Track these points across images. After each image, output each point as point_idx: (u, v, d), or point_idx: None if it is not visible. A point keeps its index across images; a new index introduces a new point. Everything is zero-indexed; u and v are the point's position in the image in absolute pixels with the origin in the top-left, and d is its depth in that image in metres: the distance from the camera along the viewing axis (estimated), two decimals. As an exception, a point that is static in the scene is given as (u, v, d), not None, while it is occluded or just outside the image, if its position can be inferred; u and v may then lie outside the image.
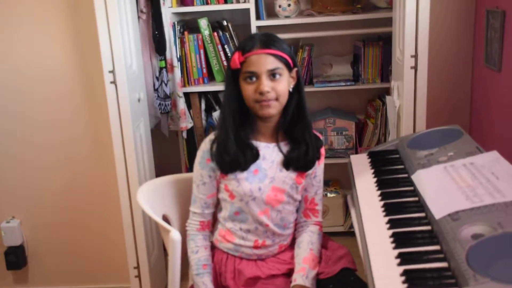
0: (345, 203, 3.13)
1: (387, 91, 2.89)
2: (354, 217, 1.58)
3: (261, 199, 1.62)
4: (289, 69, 1.61)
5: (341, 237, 2.90)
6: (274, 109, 1.59)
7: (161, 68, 2.70)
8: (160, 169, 2.67)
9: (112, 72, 2.20)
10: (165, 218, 1.71)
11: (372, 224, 1.39)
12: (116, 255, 2.70)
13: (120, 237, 2.55)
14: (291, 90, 1.62)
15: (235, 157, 1.59)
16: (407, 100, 2.17)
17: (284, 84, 1.59)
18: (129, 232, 2.39)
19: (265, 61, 1.55)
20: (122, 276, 2.69)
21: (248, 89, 1.57)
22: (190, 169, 2.94)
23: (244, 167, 1.61)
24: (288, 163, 1.65)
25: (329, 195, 3.14)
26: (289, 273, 1.68)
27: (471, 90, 2.55)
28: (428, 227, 1.32)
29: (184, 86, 2.83)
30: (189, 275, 1.89)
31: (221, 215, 1.71)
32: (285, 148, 1.67)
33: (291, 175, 1.65)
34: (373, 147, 1.93)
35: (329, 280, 1.60)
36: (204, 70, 2.85)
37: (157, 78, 2.72)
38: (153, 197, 1.68)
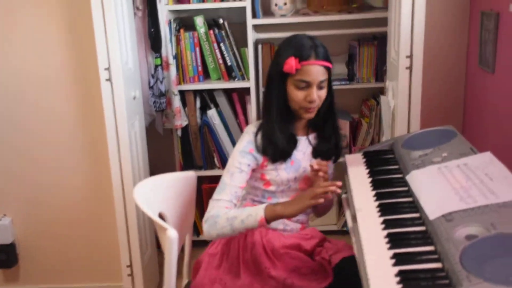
0: (338, 202, 3.14)
1: (382, 91, 2.90)
2: (348, 217, 1.59)
3: (295, 187, 1.78)
4: (330, 75, 1.73)
5: (334, 235, 2.91)
6: (314, 113, 1.74)
7: (156, 66, 2.70)
8: (155, 167, 2.67)
9: (108, 69, 2.20)
10: (161, 217, 1.71)
11: (367, 225, 1.40)
12: (109, 253, 2.70)
13: (113, 235, 2.54)
14: None
15: (283, 148, 1.71)
16: (402, 100, 2.19)
17: (326, 91, 1.73)
18: (123, 231, 2.39)
19: (318, 72, 1.66)
20: (115, 274, 2.69)
21: (298, 95, 1.68)
22: (184, 167, 2.94)
23: (289, 157, 1.74)
24: (318, 154, 1.81)
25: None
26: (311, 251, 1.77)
27: (465, 91, 2.57)
28: (422, 228, 1.33)
29: (179, 84, 2.83)
30: (183, 274, 1.90)
31: (249, 198, 1.80)
32: (313, 140, 1.83)
33: None
34: (368, 147, 1.94)
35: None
36: (200, 68, 2.85)
37: (153, 76, 2.72)
38: (149, 195, 1.68)
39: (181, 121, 2.81)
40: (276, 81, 1.69)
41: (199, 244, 3.07)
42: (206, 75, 2.91)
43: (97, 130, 2.51)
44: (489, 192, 1.33)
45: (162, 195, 1.72)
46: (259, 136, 1.71)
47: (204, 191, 3.02)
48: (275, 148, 1.70)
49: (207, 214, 1.63)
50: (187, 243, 1.85)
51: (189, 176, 1.80)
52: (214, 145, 2.91)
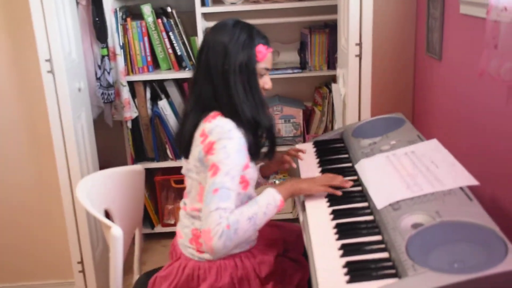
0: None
1: (334, 79, 2.90)
2: (299, 208, 1.58)
3: (256, 179, 1.66)
4: None
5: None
6: None
7: (103, 56, 2.61)
8: (105, 161, 2.59)
9: (49, 60, 2.10)
10: (107, 213, 1.65)
11: (316, 215, 1.39)
12: (60, 250, 2.61)
13: (63, 232, 2.46)
14: None
15: (262, 144, 1.61)
16: (352, 88, 2.18)
17: None
18: (72, 227, 2.31)
19: (272, 58, 1.61)
20: (67, 271, 2.61)
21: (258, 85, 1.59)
22: (136, 159, 2.88)
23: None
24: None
25: (277, 182, 3.14)
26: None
27: (414, 78, 2.59)
28: (371, 217, 1.33)
29: (128, 74, 2.75)
30: (133, 269, 1.85)
31: None
32: None
33: None
34: (319, 136, 1.93)
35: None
36: (149, 58, 2.78)
37: (99, 67, 2.63)
38: (93, 190, 1.61)
39: (130, 112, 2.74)
40: (246, 74, 1.51)
41: (153, 237, 3.04)
42: (156, 65, 2.84)
43: (41, 124, 2.41)
44: (435, 180, 1.34)
45: (107, 190, 1.66)
46: (242, 132, 1.50)
47: (157, 183, 2.96)
48: (259, 144, 1.59)
49: (217, 227, 1.34)
50: (137, 237, 1.80)
51: (137, 170, 1.75)
52: (166, 136, 2.85)
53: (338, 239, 1.25)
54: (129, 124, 2.79)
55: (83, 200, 1.50)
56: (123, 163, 2.92)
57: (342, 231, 1.28)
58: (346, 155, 1.72)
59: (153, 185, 2.97)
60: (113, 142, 2.98)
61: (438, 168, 1.39)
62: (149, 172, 2.98)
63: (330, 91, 2.91)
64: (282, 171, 3.32)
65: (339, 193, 1.48)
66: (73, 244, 2.35)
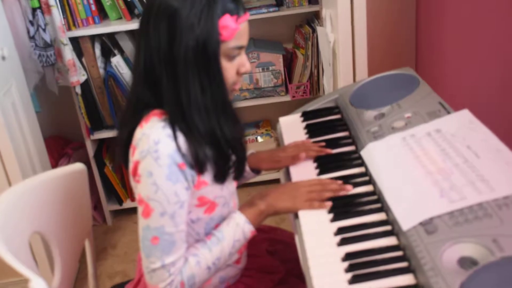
0: (279, 146, 2.77)
1: (317, 15, 2.46)
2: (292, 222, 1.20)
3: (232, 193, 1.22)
4: None
5: (276, 184, 2.56)
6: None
7: (34, 9, 2.12)
8: (57, 136, 2.16)
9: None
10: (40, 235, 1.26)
11: (314, 239, 1.01)
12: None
13: None
14: None
15: (242, 157, 1.17)
16: (344, 34, 1.77)
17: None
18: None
19: (248, 29, 1.09)
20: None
21: (230, 70, 1.08)
22: (92, 129, 2.45)
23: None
24: None
25: (259, 139, 2.76)
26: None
27: (417, 23, 2.13)
28: (392, 240, 0.95)
29: (69, 29, 2.27)
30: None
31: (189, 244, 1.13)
32: None
33: None
34: (308, 104, 1.52)
35: None
36: (93, 7, 2.29)
37: (31, 23, 2.14)
38: (15, 210, 1.18)
39: (77, 76, 2.28)
40: (204, 61, 1.02)
41: (122, 214, 2.67)
42: (103, 15, 2.36)
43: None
44: (479, 179, 0.96)
45: (37, 205, 1.24)
46: (182, 141, 1.03)
47: (120, 154, 2.56)
48: (222, 161, 1.10)
49: (168, 287, 1.04)
50: (88, 251, 1.43)
51: (76, 170, 1.34)
52: (124, 98, 2.41)
53: (352, 283, 0.88)
54: (78, 90, 2.34)
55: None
56: (78, 137, 2.53)
57: (354, 268, 0.90)
58: (346, 133, 1.33)
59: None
60: (63, 113, 2.57)
61: (479, 158, 1.01)
62: (110, 141, 2.59)
63: (314, 30, 2.48)
64: (264, 123, 2.95)
65: (326, 206, 1.09)
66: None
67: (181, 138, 1.02)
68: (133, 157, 1.03)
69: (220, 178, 1.10)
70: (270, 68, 2.58)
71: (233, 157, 1.12)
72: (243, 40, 1.07)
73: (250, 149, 1.29)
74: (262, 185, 2.49)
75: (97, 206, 2.58)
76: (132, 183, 1.07)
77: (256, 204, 1.15)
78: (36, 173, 1.92)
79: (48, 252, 1.89)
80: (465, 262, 0.82)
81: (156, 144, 1.00)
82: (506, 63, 1.38)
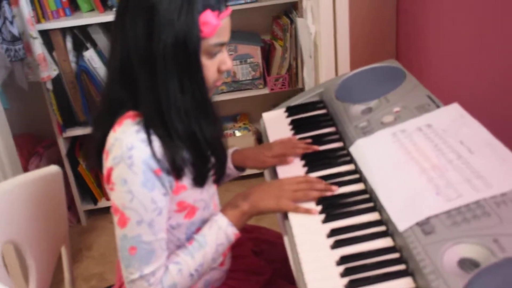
0: (257, 140, 2.73)
1: (295, 6, 2.41)
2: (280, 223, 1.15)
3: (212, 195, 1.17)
4: None
5: (257, 178, 2.51)
6: None
7: (0, 1, 2.02)
8: (28, 134, 2.07)
9: None
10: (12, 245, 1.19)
11: (306, 241, 0.97)
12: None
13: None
14: None
15: (222, 159, 1.13)
16: (325, 25, 1.72)
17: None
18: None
19: (229, 24, 1.03)
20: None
21: (210, 68, 1.02)
22: (65, 126, 2.37)
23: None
24: None
25: (237, 133, 2.71)
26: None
27: (397, 12, 2.10)
28: (388, 242, 0.92)
29: (38, 22, 2.17)
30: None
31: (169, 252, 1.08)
32: None
33: None
34: (292, 99, 1.47)
35: None
36: (64, -1, 2.20)
37: (-3, 16, 2.04)
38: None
39: (48, 71, 2.19)
40: (183, 59, 0.96)
41: (97, 214, 2.59)
42: (75, 7, 2.28)
43: None
44: (474, 176, 0.93)
45: (7, 213, 1.17)
46: (157, 145, 0.97)
47: (95, 151, 2.47)
48: (202, 164, 1.05)
49: None
50: (64, 258, 1.36)
51: (50, 173, 1.26)
52: (97, 93, 2.32)
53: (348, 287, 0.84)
54: (49, 85, 2.25)
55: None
56: (49, 134, 2.44)
57: (350, 273, 0.87)
58: (332, 129, 1.29)
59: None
60: (34, 110, 2.46)
61: (473, 154, 0.98)
62: (83, 139, 2.50)
63: (292, 21, 2.43)
64: (242, 116, 2.89)
65: (314, 211, 1.04)
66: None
67: (156, 143, 0.96)
68: (106, 163, 0.97)
69: (199, 181, 1.05)
70: (248, 60, 2.52)
71: (213, 159, 1.07)
72: (225, 37, 1.01)
73: (229, 144, 1.24)
74: (243, 180, 2.43)
75: (70, 206, 2.49)
76: (107, 189, 1.01)
77: (239, 205, 1.10)
78: (5, 174, 1.83)
79: (21, 260, 1.80)
80: (466, 264, 0.79)
81: (130, 150, 0.94)
82: (490, 52, 1.36)
